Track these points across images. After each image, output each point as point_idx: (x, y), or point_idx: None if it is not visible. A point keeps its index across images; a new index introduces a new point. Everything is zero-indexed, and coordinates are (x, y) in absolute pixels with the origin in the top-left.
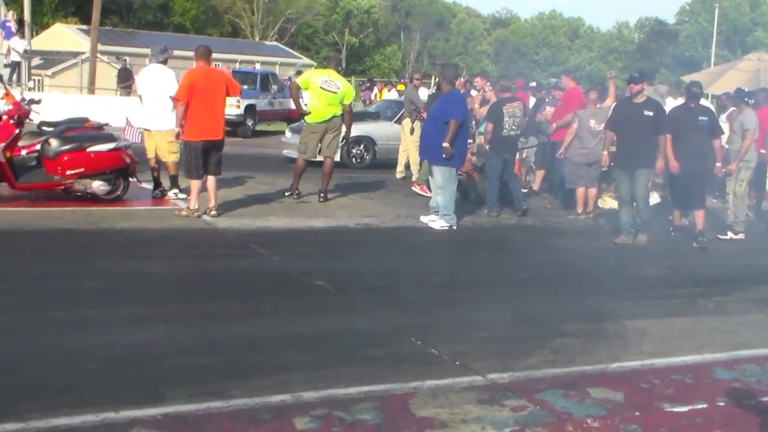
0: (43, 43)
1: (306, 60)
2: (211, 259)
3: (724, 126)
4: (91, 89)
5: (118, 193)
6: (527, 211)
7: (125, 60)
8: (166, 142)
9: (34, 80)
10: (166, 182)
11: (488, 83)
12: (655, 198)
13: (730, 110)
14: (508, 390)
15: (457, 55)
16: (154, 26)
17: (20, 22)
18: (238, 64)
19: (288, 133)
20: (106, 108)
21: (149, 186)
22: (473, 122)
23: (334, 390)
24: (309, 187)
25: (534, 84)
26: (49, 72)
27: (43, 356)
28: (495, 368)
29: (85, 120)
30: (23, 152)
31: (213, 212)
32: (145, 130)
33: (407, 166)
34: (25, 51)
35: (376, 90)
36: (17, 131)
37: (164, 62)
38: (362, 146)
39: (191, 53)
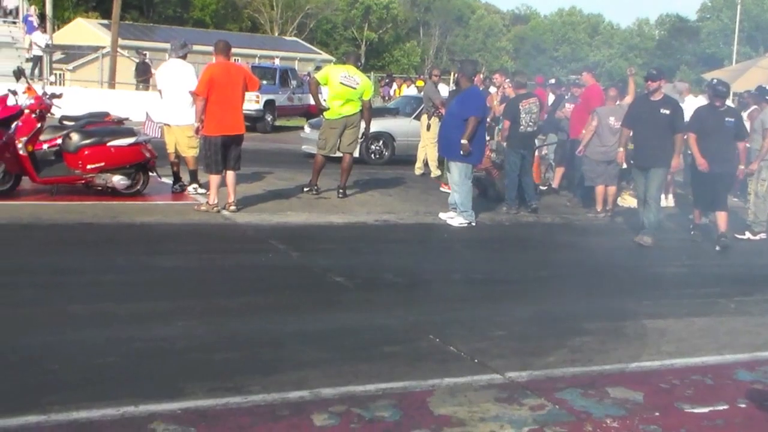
0: (65, 37)
1: (325, 55)
2: (230, 254)
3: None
4: (112, 84)
5: (138, 187)
6: (537, 209)
7: (144, 54)
8: (186, 137)
9: (56, 74)
10: (185, 177)
11: (507, 80)
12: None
13: (751, 108)
14: (526, 389)
15: (476, 51)
16: (174, 21)
17: (42, 16)
18: (257, 59)
19: (307, 129)
20: (126, 102)
21: (169, 181)
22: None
23: (352, 387)
24: (328, 183)
25: (553, 81)
26: (70, 66)
27: (63, 350)
28: (514, 366)
29: (106, 114)
30: (45, 146)
31: (232, 207)
32: (165, 124)
33: (426, 163)
34: (47, 45)
35: (395, 86)
36: (39, 125)
37: (184, 57)
38: (381, 142)
39: (211, 48)
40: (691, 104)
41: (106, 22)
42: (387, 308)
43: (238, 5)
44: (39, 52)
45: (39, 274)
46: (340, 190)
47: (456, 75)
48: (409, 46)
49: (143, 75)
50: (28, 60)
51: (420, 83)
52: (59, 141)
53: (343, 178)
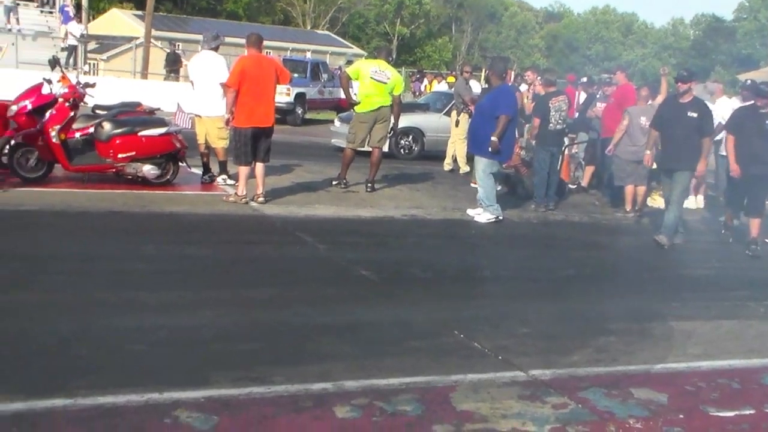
0: (99, 27)
1: (357, 50)
2: (258, 246)
3: None
4: (144, 74)
5: (168, 177)
6: (553, 209)
7: (174, 45)
8: (216, 128)
9: (89, 64)
10: (215, 168)
11: (539, 77)
12: (691, 203)
13: None
14: (550, 387)
15: (508, 49)
16: (207, 13)
17: (78, 6)
18: (289, 52)
19: (337, 123)
20: (158, 93)
21: (198, 171)
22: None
23: (375, 380)
24: (356, 177)
25: (585, 79)
26: (104, 56)
27: (91, 336)
28: (537, 364)
29: (138, 104)
30: (77, 135)
31: (261, 199)
32: (196, 115)
33: (455, 159)
34: (82, 35)
35: (425, 81)
36: (72, 114)
37: (216, 49)
38: (411, 137)
39: (243, 40)
40: (723, 106)
41: (140, 13)
42: (412, 303)
43: None
44: (74, 42)
45: (69, 261)
46: (369, 184)
47: (486, 72)
48: (441, 42)
49: (173, 65)
50: (63, 49)
51: (451, 79)
52: (91, 130)
53: (371, 172)
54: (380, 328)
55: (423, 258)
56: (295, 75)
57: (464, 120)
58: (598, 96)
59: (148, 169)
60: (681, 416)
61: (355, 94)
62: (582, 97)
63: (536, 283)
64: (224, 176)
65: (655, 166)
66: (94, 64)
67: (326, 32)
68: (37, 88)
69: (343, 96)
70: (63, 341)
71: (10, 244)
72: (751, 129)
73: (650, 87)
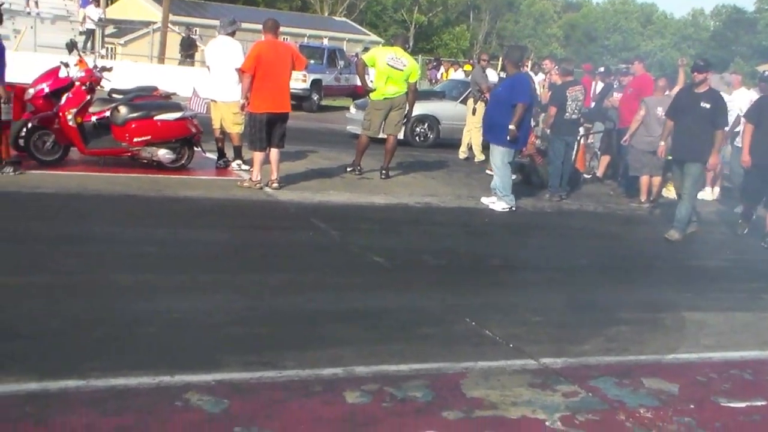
0: (118, 12)
1: (374, 37)
2: (271, 231)
3: None
4: (161, 59)
5: (183, 161)
6: (564, 198)
7: (189, 29)
8: (232, 114)
9: (107, 48)
10: (230, 153)
11: (556, 67)
12: (707, 194)
13: None
14: (560, 375)
15: (526, 38)
16: None
17: None
18: (306, 38)
19: (353, 109)
20: (174, 77)
21: (213, 156)
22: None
23: (386, 366)
24: (371, 164)
25: (602, 69)
26: (122, 41)
27: (105, 318)
28: (548, 353)
29: (154, 89)
30: (93, 118)
31: (275, 184)
32: (212, 100)
33: (470, 147)
34: (100, 19)
35: (442, 69)
36: (88, 97)
37: (232, 34)
38: (426, 125)
39: (260, 26)
40: (741, 97)
41: None
42: (424, 290)
43: None
44: (92, 26)
45: (83, 243)
46: (383, 171)
47: (503, 61)
48: (459, 30)
49: (188, 50)
50: (81, 33)
51: (468, 67)
52: (107, 113)
53: (386, 159)
54: (392, 315)
55: (436, 245)
56: (312, 61)
57: (481, 108)
58: (615, 86)
59: (163, 154)
60: (692, 406)
61: (371, 81)
62: (599, 86)
63: (549, 272)
64: (239, 161)
65: (671, 157)
66: (111, 48)
67: (344, 19)
68: (55, 71)
69: (359, 83)
70: (76, 323)
71: (26, 226)
72: None
73: (668, 78)
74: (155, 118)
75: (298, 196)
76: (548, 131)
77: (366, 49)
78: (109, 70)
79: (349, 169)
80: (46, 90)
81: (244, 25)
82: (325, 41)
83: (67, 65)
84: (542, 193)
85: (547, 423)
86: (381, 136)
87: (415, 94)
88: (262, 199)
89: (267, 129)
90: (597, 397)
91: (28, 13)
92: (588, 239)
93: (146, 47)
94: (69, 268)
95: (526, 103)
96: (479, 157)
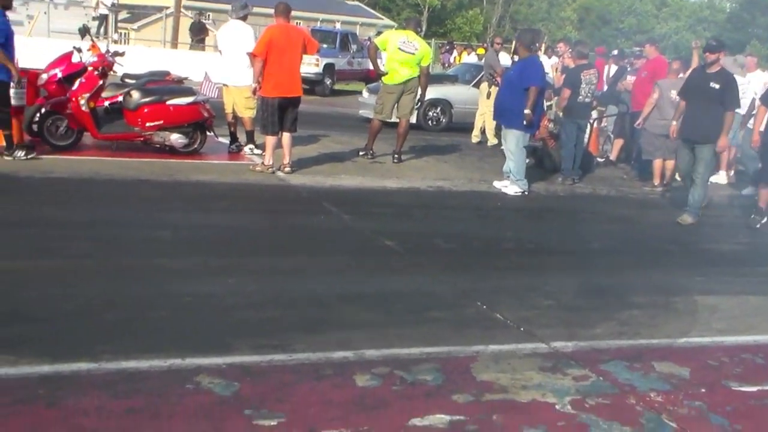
0: None
1: (387, 21)
2: (283, 215)
3: None
4: (174, 43)
5: (195, 146)
6: (579, 183)
7: (200, 14)
8: (244, 98)
9: (120, 33)
10: (242, 137)
11: (569, 50)
12: (721, 178)
13: None
14: (571, 359)
15: (539, 21)
16: None
17: None
18: (319, 22)
19: (365, 93)
20: (187, 62)
21: (225, 141)
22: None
23: (396, 349)
24: (383, 148)
25: (616, 52)
26: (135, 26)
27: (117, 302)
28: (559, 336)
29: (167, 73)
30: (106, 103)
31: (287, 169)
32: (224, 85)
33: (483, 131)
34: (113, 4)
35: (455, 53)
36: (101, 82)
37: (244, 18)
38: (439, 109)
39: (272, 10)
40: (756, 79)
41: None
42: (436, 274)
43: None
44: (105, 11)
45: (96, 227)
46: (396, 155)
47: (514, 44)
48: (472, 14)
49: (198, 34)
50: (94, 18)
51: (481, 51)
52: (120, 98)
53: (398, 143)
54: (403, 298)
55: (447, 229)
56: (324, 45)
57: (496, 92)
58: (628, 69)
59: (176, 138)
60: (702, 390)
61: (383, 64)
62: (612, 70)
63: (561, 256)
64: (251, 146)
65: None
66: (125, 33)
67: (357, 3)
68: (67, 56)
69: (372, 67)
70: (89, 307)
71: (39, 210)
72: None
73: (682, 60)
74: (167, 102)
75: (310, 180)
76: (561, 114)
77: (379, 33)
78: (122, 55)
79: (361, 153)
80: (59, 75)
81: (256, 10)
82: (338, 25)
83: (79, 50)
84: (555, 176)
85: (557, 407)
86: (393, 120)
87: (427, 78)
88: (274, 183)
89: (279, 113)
90: (608, 381)
91: None
92: (600, 223)
93: (159, 32)
94: (82, 252)
95: (538, 86)
96: (492, 141)
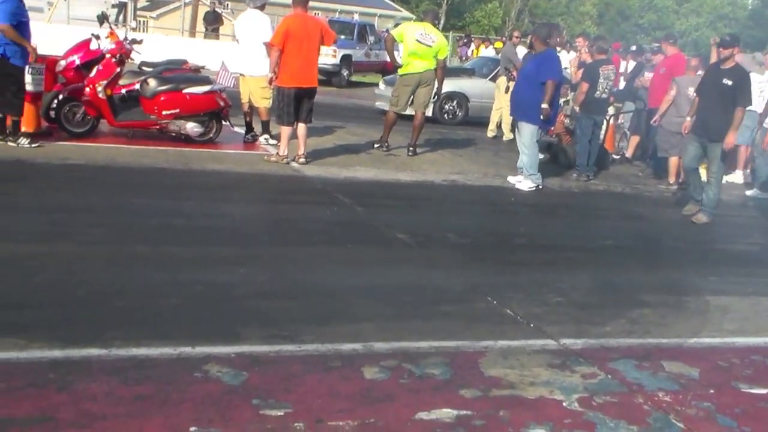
0: None
1: (405, 13)
2: (296, 206)
3: None
4: (192, 32)
5: (211, 135)
6: (593, 179)
7: (213, 3)
8: (260, 88)
9: (138, 21)
10: (257, 127)
11: (587, 45)
12: (738, 177)
13: None
14: (580, 356)
15: (559, 15)
16: None
17: None
18: (337, 13)
19: (382, 86)
20: (205, 51)
21: (241, 130)
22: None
23: (405, 343)
24: (399, 141)
25: (634, 48)
26: (154, 14)
27: (129, 288)
28: (569, 333)
29: (184, 62)
30: (123, 91)
31: (302, 159)
32: (240, 74)
33: (499, 125)
34: None
35: (472, 46)
36: (118, 70)
37: (261, 8)
38: (455, 102)
39: (290, 1)
40: None
41: None
42: (447, 268)
43: None
44: None
45: (110, 214)
46: (410, 148)
47: (530, 38)
48: (491, 7)
49: (213, 24)
50: (113, 6)
51: (499, 45)
52: (137, 86)
53: (414, 136)
54: (413, 292)
55: (460, 223)
56: (342, 37)
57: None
58: (646, 66)
59: (192, 127)
60: (711, 391)
61: (400, 56)
62: (630, 66)
63: (573, 253)
64: (266, 136)
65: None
66: (143, 21)
67: None
68: (86, 43)
69: (389, 59)
70: (100, 293)
71: (54, 196)
72: None
73: (702, 57)
74: (184, 91)
75: (324, 172)
76: (577, 109)
77: (396, 25)
78: (140, 42)
79: (376, 146)
80: (77, 62)
81: (275, 0)
82: (356, 16)
83: (98, 37)
84: (569, 173)
85: (564, 404)
86: (409, 112)
87: (443, 71)
88: (289, 173)
89: (295, 103)
90: (616, 379)
91: None
92: (614, 220)
93: (178, 21)
94: (95, 238)
95: (555, 80)
96: (508, 135)
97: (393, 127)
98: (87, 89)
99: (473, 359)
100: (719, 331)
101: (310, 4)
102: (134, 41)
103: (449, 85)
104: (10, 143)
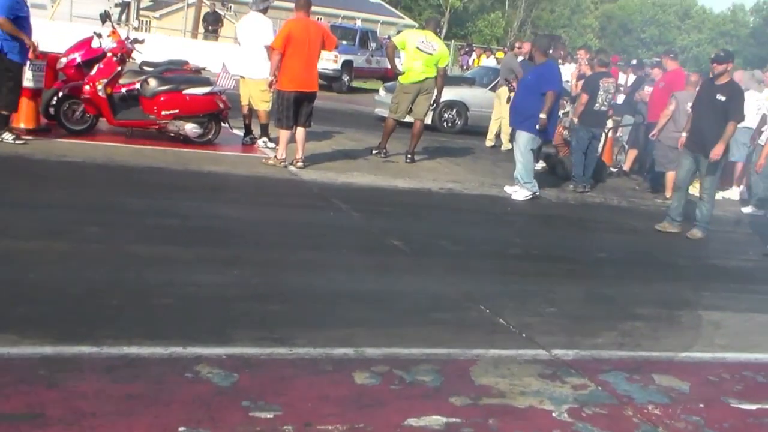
0: None
1: (408, 20)
2: (293, 209)
3: None
4: (194, 33)
5: (210, 136)
6: (589, 191)
7: (214, 4)
8: (260, 91)
9: (141, 21)
10: (256, 130)
11: (587, 57)
12: (734, 193)
13: None
14: (571, 367)
15: (561, 27)
16: None
17: None
18: (340, 19)
19: (382, 92)
20: (206, 52)
21: (240, 132)
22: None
23: (397, 349)
24: (397, 147)
25: (635, 62)
26: (157, 14)
27: (122, 287)
28: (561, 344)
29: (185, 63)
30: (123, 90)
31: (299, 163)
32: (241, 77)
33: (498, 135)
34: None
35: (474, 55)
36: (119, 69)
37: (264, 11)
38: (454, 111)
39: (293, 5)
40: None
41: None
42: (441, 275)
43: None
44: None
45: (106, 213)
46: (409, 155)
47: (530, 48)
48: (494, 17)
49: (213, 24)
50: (116, 5)
51: (500, 54)
52: (137, 85)
53: (412, 143)
54: (407, 298)
55: (456, 232)
56: (344, 42)
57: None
58: (646, 80)
59: (191, 128)
60: (701, 405)
61: (401, 64)
62: (630, 79)
63: (567, 264)
64: (265, 139)
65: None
66: (146, 21)
67: (379, 1)
68: (87, 41)
69: (390, 66)
70: (93, 291)
71: (50, 193)
72: None
73: (701, 73)
74: (184, 92)
75: (321, 176)
76: (575, 120)
77: (399, 33)
78: (141, 42)
79: (374, 152)
80: (78, 60)
81: (277, 3)
82: (359, 22)
83: (99, 36)
84: (566, 184)
85: (554, 414)
86: (408, 120)
87: (443, 79)
88: (286, 177)
89: (294, 107)
90: (606, 391)
91: None
92: (609, 233)
93: (180, 22)
94: (90, 236)
95: (556, 91)
96: (506, 145)
97: (392, 133)
98: (87, 87)
99: (464, 367)
100: (711, 345)
101: (313, 8)
102: (136, 41)
103: (449, 94)
104: None
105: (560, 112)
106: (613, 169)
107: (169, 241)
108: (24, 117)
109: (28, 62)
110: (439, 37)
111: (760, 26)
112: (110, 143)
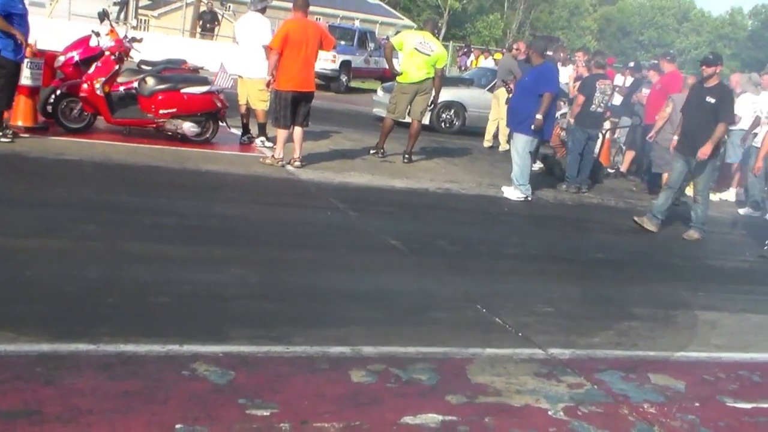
0: None
1: (407, 21)
2: (290, 209)
3: None
4: (193, 32)
5: (207, 135)
6: (585, 192)
7: (211, 3)
8: (258, 90)
9: (139, 19)
10: (254, 129)
11: (585, 59)
12: (731, 195)
13: None
14: (567, 366)
15: (559, 29)
16: None
17: None
18: (338, 19)
19: (380, 92)
20: (204, 52)
21: (237, 132)
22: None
23: (393, 348)
24: (395, 147)
25: (632, 64)
26: (155, 13)
27: (119, 285)
28: (557, 343)
29: (183, 62)
30: (121, 88)
31: (297, 163)
32: (239, 76)
33: (495, 136)
34: None
35: (472, 56)
36: (117, 67)
37: (262, 11)
38: (453, 111)
39: (291, 4)
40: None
41: None
42: (438, 275)
43: None
44: None
45: (104, 211)
46: (406, 156)
47: (527, 50)
48: (492, 19)
49: (210, 23)
50: (115, 3)
51: (498, 56)
52: (135, 84)
53: (409, 143)
54: (404, 298)
55: (453, 231)
56: (342, 42)
57: None
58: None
59: (188, 127)
60: (696, 404)
61: (398, 64)
62: (628, 81)
63: (564, 264)
64: (262, 138)
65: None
66: (145, 20)
67: (377, 1)
68: (85, 40)
69: (387, 66)
70: (91, 289)
71: (47, 191)
72: None
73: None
74: (182, 91)
75: (319, 176)
76: (572, 121)
77: (397, 33)
78: (139, 41)
79: (372, 152)
80: (76, 58)
81: (276, 3)
82: (357, 23)
83: (98, 34)
84: (559, 184)
85: (549, 413)
86: (406, 120)
87: (441, 80)
88: (283, 176)
89: (291, 107)
90: (602, 390)
91: None
92: (606, 233)
93: (179, 21)
94: (87, 234)
95: (553, 92)
96: (504, 146)
97: (389, 134)
98: (85, 86)
99: (460, 366)
100: (706, 345)
101: (312, 8)
102: (134, 39)
103: (447, 94)
104: None
105: (557, 113)
106: (610, 170)
107: (166, 240)
108: (22, 115)
109: (25, 60)
110: (438, 38)
111: (758, 29)
112: (108, 142)
